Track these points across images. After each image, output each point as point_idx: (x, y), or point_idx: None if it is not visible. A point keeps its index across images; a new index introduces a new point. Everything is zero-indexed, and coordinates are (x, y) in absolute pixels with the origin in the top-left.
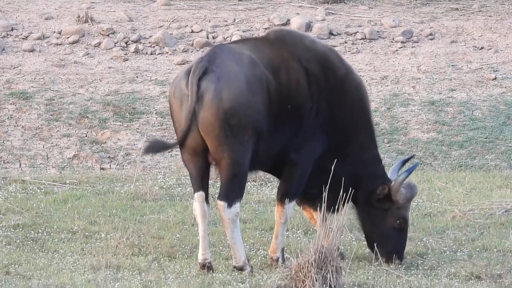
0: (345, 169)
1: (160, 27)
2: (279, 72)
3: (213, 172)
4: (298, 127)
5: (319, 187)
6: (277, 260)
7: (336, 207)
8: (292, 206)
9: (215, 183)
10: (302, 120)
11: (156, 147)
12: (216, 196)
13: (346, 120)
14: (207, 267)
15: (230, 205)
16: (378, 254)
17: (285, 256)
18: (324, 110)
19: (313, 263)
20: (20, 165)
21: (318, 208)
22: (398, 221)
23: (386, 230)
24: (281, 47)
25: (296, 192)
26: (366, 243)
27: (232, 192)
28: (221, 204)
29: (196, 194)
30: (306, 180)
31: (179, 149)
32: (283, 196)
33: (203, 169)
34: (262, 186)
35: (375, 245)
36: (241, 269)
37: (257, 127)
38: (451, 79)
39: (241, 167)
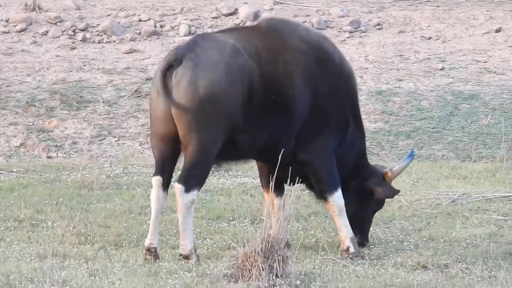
0: (351, 158)
1: (108, 15)
2: (267, 62)
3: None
4: (289, 118)
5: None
6: (348, 249)
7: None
8: (338, 196)
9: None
10: (294, 110)
11: None
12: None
13: (346, 110)
14: (152, 252)
15: (187, 190)
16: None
17: (232, 245)
18: (323, 101)
19: (260, 252)
20: None
21: (279, 195)
22: (380, 203)
23: (368, 212)
24: (273, 37)
25: (331, 184)
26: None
27: (193, 178)
28: (179, 187)
29: (153, 178)
30: (334, 168)
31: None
32: (322, 194)
33: (167, 155)
34: (209, 176)
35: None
36: (187, 257)
37: (233, 117)
38: (398, 69)
39: (207, 155)
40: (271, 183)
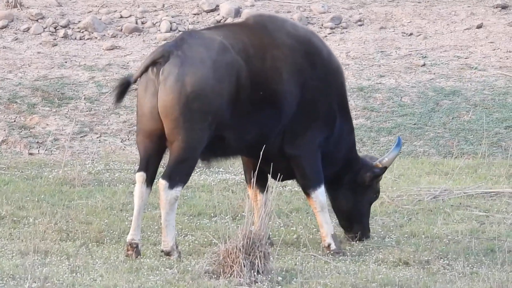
0: (342, 153)
1: (89, 12)
2: (255, 58)
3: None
4: (277, 114)
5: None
6: (329, 246)
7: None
8: (320, 192)
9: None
10: (283, 106)
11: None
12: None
13: (334, 104)
14: (133, 248)
15: (171, 186)
16: (353, 231)
17: (213, 241)
18: (312, 96)
19: (241, 249)
20: None
21: (262, 191)
22: (375, 195)
23: (365, 205)
24: (261, 33)
25: (314, 180)
26: (341, 224)
27: (177, 175)
28: (163, 183)
29: (137, 174)
30: (319, 165)
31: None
32: (305, 189)
33: (152, 152)
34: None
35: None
36: (168, 254)
37: (220, 114)
38: (380, 65)
39: (193, 152)
40: (253, 178)
